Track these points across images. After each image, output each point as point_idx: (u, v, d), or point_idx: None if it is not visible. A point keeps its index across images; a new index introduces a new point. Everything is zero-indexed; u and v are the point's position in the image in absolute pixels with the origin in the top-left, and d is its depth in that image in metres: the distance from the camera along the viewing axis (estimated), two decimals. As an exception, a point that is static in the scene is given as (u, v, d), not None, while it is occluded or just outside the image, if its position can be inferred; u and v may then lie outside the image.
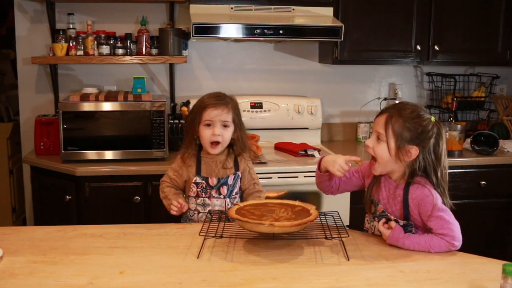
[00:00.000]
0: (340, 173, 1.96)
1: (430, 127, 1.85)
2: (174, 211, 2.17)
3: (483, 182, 3.32)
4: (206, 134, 2.18)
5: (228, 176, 2.24)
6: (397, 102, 2.00)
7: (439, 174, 1.89)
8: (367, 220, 2.11)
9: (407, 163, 1.89)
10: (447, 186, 1.92)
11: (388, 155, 1.86)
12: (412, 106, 1.91)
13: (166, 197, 2.27)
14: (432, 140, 1.86)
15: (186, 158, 2.26)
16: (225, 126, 2.19)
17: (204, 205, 2.21)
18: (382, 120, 1.88)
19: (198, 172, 2.23)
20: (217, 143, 2.19)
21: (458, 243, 1.85)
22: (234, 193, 2.27)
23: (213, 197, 2.22)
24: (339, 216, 2.03)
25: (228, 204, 2.23)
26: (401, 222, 1.92)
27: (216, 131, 2.17)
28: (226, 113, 2.19)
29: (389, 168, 1.92)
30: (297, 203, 2.01)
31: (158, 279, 1.62)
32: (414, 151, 1.85)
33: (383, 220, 1.94)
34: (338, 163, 1.95)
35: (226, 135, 2.20)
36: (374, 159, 1.93)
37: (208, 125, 2.18)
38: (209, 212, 2.16)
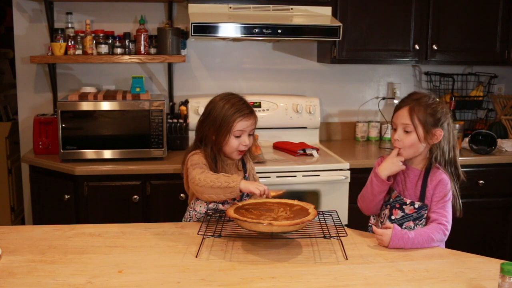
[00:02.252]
0: (403, 166, 2.03)
1: (444, 108, 2.01)
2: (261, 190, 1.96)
3: (481, 182, 3.33)
4: (234, 144, 2.14)
5: (244, 179, 2.21)
6: (409, 93, 2.10)
7: (451, 150, 2.03)
8: (373, 217, 2.16)
9: (431, 145, 2.02)
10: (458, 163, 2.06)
11: (418, 142, 1.98)
12: (424, 94, 2.05)
13: (227, 183, 1.95)
14: (447, 119, 2.02)
15: (205, 159, 2.16)
16: (251, 134, 2.20)
17: (216, 210, 2.17)
18: (405, 113, 1.99)
19: None
20: (243, 150, 2.20)
21: (448, 233, 1.97)
22: (245, 196, 2.23)
23: (227, 202, 2.16)
24: (338, 216, 2.03)
25: None
26: (417, 204, 2.00)
27: (246, 140, 2.16)
28: (255, 122, 2.19)
29: (417, 152, 2.02)
30: (295, 202, 2.01)
31: (157, 278, 1.62)
32: (439, 132, 1.99)
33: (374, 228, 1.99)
34: (395, 160, 2.02)
35: (251, 142, 2.20)
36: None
37: (238, 136, 2.15)
38: (209, 209, 2.16)
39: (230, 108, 2.13)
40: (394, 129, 2.04)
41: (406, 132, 1.99)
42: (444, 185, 1.99)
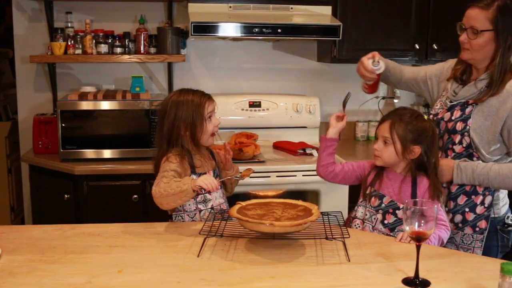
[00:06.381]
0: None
1: (428, 127, 2.07)
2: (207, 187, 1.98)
3: (481, 181, 3.33)
4: (210, 128, 2.22)
5: (217, 167, 2.29)
6: (396, 108, 2.15)
7: (432, 165, 2.09)
8: (359, 218, 2.16)
9: (410, 159, 2.08)
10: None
11: (395, 156, 2.05)
12: (410, 110, 2.12)
13: (180, 187, 1.98)
14: (430, 138, 2.07)
15: (182, 157, 2.17)
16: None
17: (205, 201, 2.19)
18: (387, 126, 2.06)
19: (193, 170, 2.18)
20: (215, 134, 2.27)
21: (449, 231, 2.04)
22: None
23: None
24: (343, 217, 2.03)
25: (223, 194, 2.28)
26: None
27: (217, 120, 2.24)
28: (216, 106, 2.28)
29: (391, 163, 2.09)
30: (299, 202, 2.00)
31: (157, 278, 1.62)
32: (417, 149, 2.04)
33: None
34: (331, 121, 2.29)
35: (219, 122, 2.29)
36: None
37: (210, 117, 2.22)
38: (212, 208, 2.17)
39: (194, 97, 2.20)
40: (377, 139, 2.14)
41: (386, 143, 2.07)
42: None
